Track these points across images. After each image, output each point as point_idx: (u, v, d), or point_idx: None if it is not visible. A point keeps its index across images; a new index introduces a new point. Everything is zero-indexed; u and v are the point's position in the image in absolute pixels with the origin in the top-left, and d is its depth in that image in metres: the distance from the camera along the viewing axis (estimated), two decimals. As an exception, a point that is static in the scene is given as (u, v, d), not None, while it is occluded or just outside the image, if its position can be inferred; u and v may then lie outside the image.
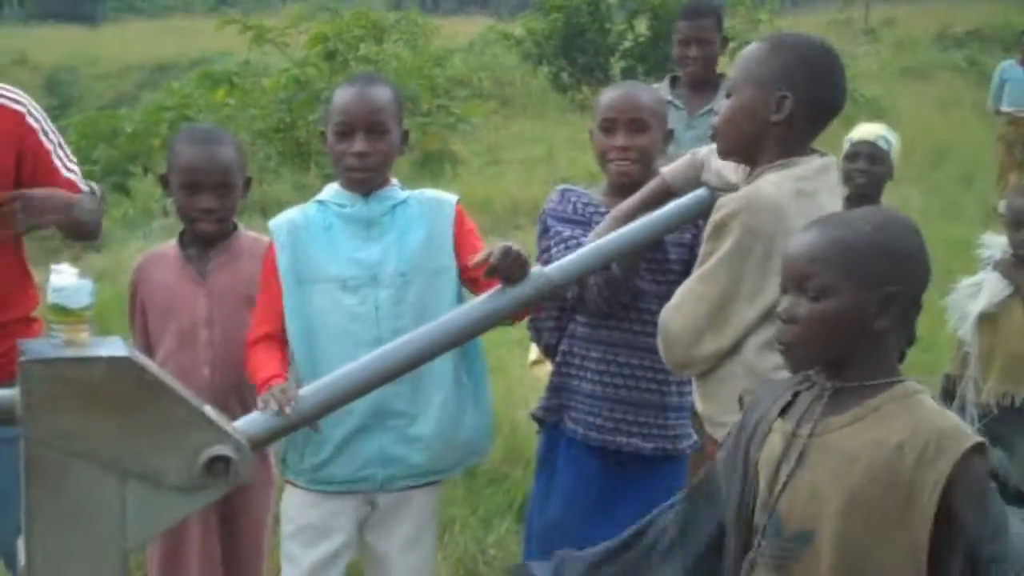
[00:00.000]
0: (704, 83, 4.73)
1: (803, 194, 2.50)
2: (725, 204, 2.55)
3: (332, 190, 3.03)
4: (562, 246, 3.09)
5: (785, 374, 2.28)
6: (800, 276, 2.05)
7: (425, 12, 21.90)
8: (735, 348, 2.54)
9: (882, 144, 4.29)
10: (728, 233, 2.52)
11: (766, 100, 2.56)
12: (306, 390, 2.50)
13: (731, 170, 2.74)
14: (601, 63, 16.19)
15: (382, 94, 2.97)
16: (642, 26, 15.95)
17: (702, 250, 2.61)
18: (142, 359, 1.94)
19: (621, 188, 3.11)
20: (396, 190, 3.02)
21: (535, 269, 2.75)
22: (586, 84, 15.87)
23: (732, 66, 2.68)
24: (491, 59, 16.29)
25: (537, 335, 3.30)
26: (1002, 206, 10.51)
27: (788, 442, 2.08)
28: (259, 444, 2.42)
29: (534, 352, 3.74)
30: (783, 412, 2.13)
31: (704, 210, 2.80)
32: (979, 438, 1.92)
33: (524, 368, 4.18)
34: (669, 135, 3.19)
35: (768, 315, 2.46)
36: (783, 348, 2.09)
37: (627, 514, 3.09)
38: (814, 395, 2.11)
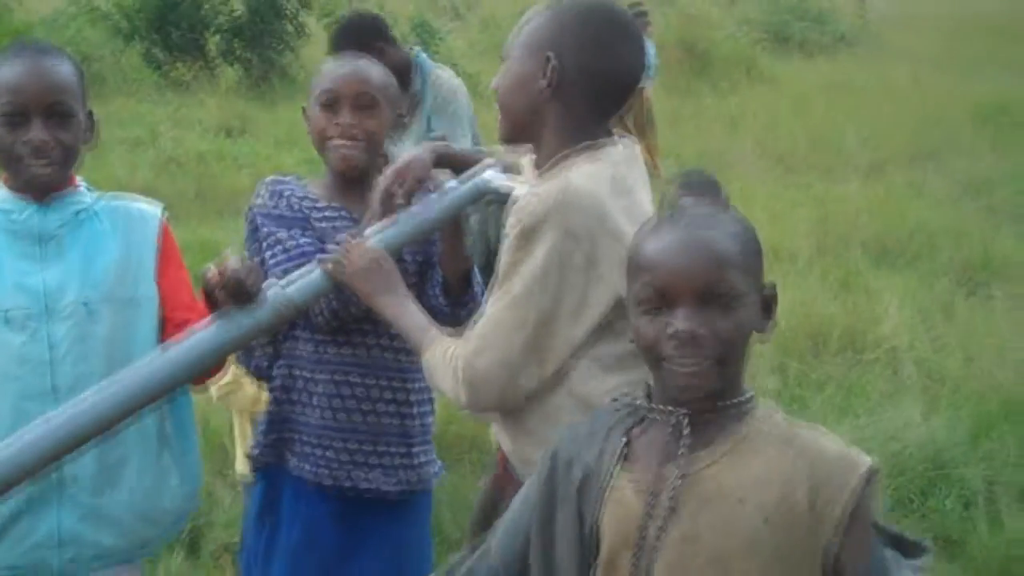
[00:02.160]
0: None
1: (620, 189, 2.10)
2: (530, 203, 2.07)
3: None
4: (279, 249, 2.56)
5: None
6: (708, 284, 1.65)
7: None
8: (558, 376, 2.10)
9: None
10: (540, 239, 2.04)
11: (536, 65, 2.15)
12: None
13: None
14: (196, 39, 15.23)
15: (63, 68, 2.33)
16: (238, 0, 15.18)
17: (504, 262, 2.12)
18: None
19: (344, 178, 2.62)
20: (82, 193, 2.39)
21: (271, 286, 2.23)
22: (181, 61, 14.87)
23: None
24: (76, 34, 14.84)
25: (246, 355, 2.71)
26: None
27: (652, 492, 1.68)
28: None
29: (229, 374, 3.16)
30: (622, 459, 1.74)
31: (473, 201, 2.37)
32: (869, 461, 1.65)
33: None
34: (398, 120, 2.71)
35: (596, 332, 2.06)
36: (695, 375, 1.66)
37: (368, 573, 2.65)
38: (663, 430, 1.72)
